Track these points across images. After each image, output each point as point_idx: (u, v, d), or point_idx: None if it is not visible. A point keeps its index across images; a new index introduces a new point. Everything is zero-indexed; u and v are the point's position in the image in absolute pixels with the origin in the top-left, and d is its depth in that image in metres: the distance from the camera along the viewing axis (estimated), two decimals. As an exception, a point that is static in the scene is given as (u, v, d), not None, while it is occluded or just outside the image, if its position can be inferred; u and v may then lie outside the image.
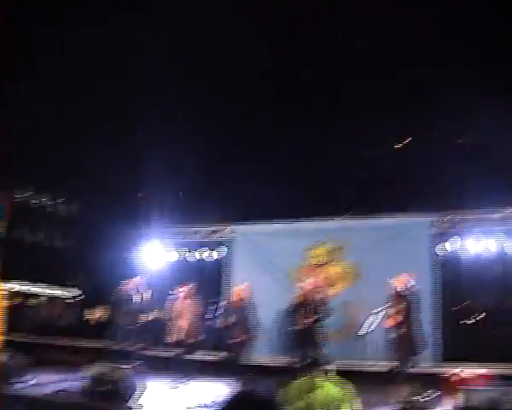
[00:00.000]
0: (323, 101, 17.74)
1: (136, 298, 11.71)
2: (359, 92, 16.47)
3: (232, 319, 10.72)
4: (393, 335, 9.12)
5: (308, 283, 10.58)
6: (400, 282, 9.40)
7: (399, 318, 9.14)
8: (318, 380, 4.75)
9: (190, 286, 11.50)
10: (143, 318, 14.06)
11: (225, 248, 13.87)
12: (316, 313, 10.21)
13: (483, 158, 14.43)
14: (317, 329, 10.36)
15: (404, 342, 9.05)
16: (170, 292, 11.68)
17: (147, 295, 13.81)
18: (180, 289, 11.43)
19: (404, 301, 9.23)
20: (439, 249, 11.90)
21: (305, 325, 10.16)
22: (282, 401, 1.34)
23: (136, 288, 11.80)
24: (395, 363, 9.11)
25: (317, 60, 17.22)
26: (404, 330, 9.11)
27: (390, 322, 9.25)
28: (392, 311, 9.23)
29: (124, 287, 11.75)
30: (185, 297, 11.30)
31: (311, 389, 4.73)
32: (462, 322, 12.58)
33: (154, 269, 14.42)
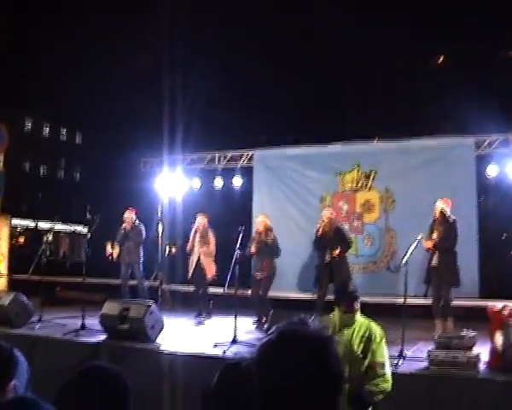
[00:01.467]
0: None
1: (136, 229, 11.81)
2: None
3: (256, 250, 10.80)
4: (436, 262, 9.16)
5: (324, 216, 10.58)
6: (446, 204, 9.36)
7: (444, 243, 9.17)
8: (349, 315, 4.80)
9: (205, 217, 11.50)
10: (162, 251, 14.29)
11: (250, 175, 13.72)
12: (337, 243, 10.27)
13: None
14: (343, 261, 10.45)
15: (448, 269, 9.09)
16: (191, 223, 11.72)
17: (163, 227, 13.96)
18: (196, 221, 11.47)
19: (449, 226, 9.24)
20: (484, 173, 11.65)
21: (328, 259, 10.26)
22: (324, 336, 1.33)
23: (133, 219, 11.90)
24: (436, 294, 9.19)
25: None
26: (448, 257, 9.14)
27: (431, 246, 9.25)
28: (436, 235, 9.23)
29: (137, 220, 11.85)
30: (199, 229, 11.34)
31: (346, 324, 4.79)
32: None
33: (173, 199, 14.41)
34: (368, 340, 4.68)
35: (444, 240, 9.14)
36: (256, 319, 10.43)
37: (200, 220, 11.35)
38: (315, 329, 1.58)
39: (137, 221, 11.91)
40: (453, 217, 9.29)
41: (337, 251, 10.17)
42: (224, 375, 1.83)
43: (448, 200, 9.47)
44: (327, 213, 10.64)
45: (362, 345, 4.67)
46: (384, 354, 4.68)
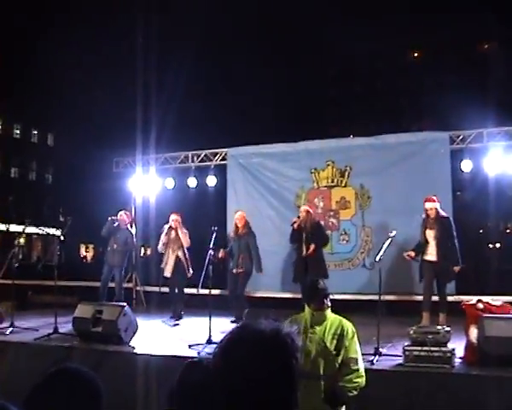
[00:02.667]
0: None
1: (125, 232, 11.77)
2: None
3: (232, 248, 10.91)
4: (435, 257, 9.39)
5: (302, 209, 10.71)
6: (437, 204, 9.61)
7: (437, 240, 9.39)
8: (320, 312, 4.82)
9: (178, 215, 11.50)
10: (136, 252, 14.23)
11: (224, 174, 13.71)
12: (313, 238, 10.38)
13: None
14: (319, 257, 10.56)
15: (449, 265, 9.31)
16: (164, 223, 11.70)
17: (136, 228, 13.92)
18: (170, 219, 11.44)
19: (448, 223, 9.57)
20: (459, 168, 11.80)
21: (305, 253, 10.37)
22: (286, 333, 1.35)
23: (126, 222, 11.84)
24: (430, 287, 9.44)
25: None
26: (442, 253, 9.35)
27: (413, 256, 9.57)
28: (434, 233, 9.47)
29: (112, 221, 11.78)
30: (175, 227, 11.33)
31: (318, 321, 4.81)
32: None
33: (146, 199, 14.35)
34: (340, 336, 4.71)
35: (442, 236, 9.41)
36: (233, 318, 10.44)
37: (174, 219, 11.34)
38: (274, 326, 1.60)
39: (129, 226, 11.90)
40: (446, 214, 9.61)
41: (311, 248, 10.29)
42: (185, 372, 1.84)
43: (435, 198, 9.68)
44: (304, 207, 10.79)
45: (335, 342, 4.69)
46: (357, 349, 4.72)
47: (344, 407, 4.75)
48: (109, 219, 11.75)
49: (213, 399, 1.54)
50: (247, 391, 1.51)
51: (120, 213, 11.83)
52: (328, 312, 4.86)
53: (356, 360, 4.66)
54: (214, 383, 1.55)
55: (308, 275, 10.01)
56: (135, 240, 11.90)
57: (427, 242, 9.49)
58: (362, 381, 4.66)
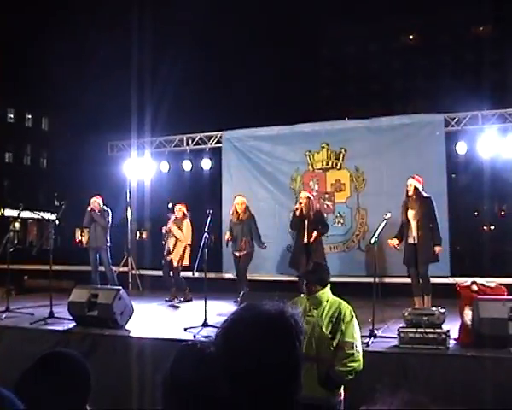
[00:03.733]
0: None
1: (103, 213, 11.82)
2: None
3: (231, 232, 11.00)
4: (415, 239, 9.27)
5: (303, 195, 10.65)
6: (418, 182, 9.47)
7: (417, 220, 9.29)
8: (317, 295, 4.82)
9: (183, 205, 11.63)
10: (131, 236, 14.23)
11: (219, 157, 13.66)
12: (316, 225, 10.33)
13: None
14: (320, 245, 10.53)
15: (426, 246, 9.23)
16: (166, 207, 11.76)
17: (131, 211, 13.92)
18: (175, 210, 11.56)
19: (426, 202, 9.39)
20: (454, 151, 11.78)
21: (306, 240, 10.33)
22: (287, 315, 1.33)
23: (101, 204, 11.89)
24: (415, 271, 9.34)
25: None
26: (426, 233, 9.27)
27: (396, 245, 9.45)
28: (414, 213, 9.34)
29: (99, 205, 11.82)
30: (179, 217, 11.47)
31: (315, 305, 4.81)
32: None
33: (141, 182, 14.31)
34: (337, 320, 4.70)
35: (422, 216, 9.27)
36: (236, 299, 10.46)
37: (179, 209, 11.51)
38: (278, 307, 1.57)
39: (104, 207, 11.88)
40: (427, 194, 9.44)
41: (314, 234, 10.24)
42: (178, 356, 1.82)
43: (420, 177, 9.56)
44: (305, 193, 10.74)
45: (331, 325, 4.69)
46: (354, 333, 4.70)
47: (342, 388, 4.76)
48: (88, 210, 11.77)
49: (214, 381, 1.52)
50: (249, 373, 1.49)
51: (92, 199, 11.88)
52: (326, 295, 4.85)
53: (352, 344, 4.65)
54: (216, 364, 1.53)
55: (310, 260, 9.95)
56: (109, 217, 11.91)
57: (408, 222, 9.39)
58: (357, 365, 4.65)
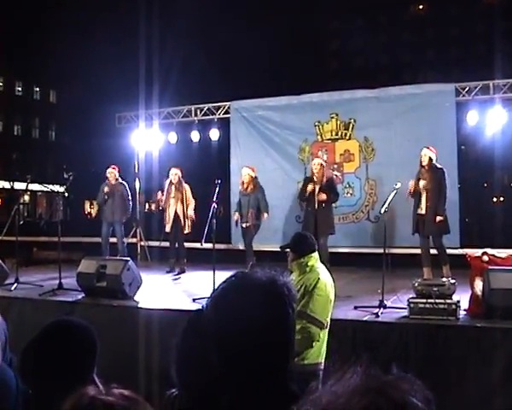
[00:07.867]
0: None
1: (119, 186, 11.72)
2: None
3: (241, 202, 11.01)
4: (424, 210, 9.22)
5: (316, 162, 10.49)
6: (433, 152, 9.39)
7: (427, 191, 9.22)
8: (300, 262, 4.80)
9: (178, 169, 11.44)
10: (140, 208, 14.21)
11: (227, 128, 13.56)
12: (326, 194, 10.18)
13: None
14: (330, 211, 10.41)
15: (431, 218, 9.16)
16: (165, 177, 11.65)
17: (139, 183, 13.86)
18: (170, 174, 11.38)
19: (439, 173, 9.33)
20: (465, 121, 11.62)
21: (317, 206, 10.19)
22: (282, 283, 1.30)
23: (117, 175, 11.78)
24: (425, 242, 9.31)
25: None
26: (432, 204, 9.20)
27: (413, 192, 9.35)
28: (424, 183, 9.28)
29: (115, 176, 11.71)
30: (175, 182, 11.27)
31: (298, 271, 4.80)
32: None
33: (149, 154, 14.25)
34: (305, 290, 4.65)
35: (433, 187, 9.21)
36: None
37: (174, 173, 11.27)
38: (270, 275, 1.54)
39: (120, 179, 11.80)
40: (440, 165, 9.36)
41: (323, 196, 10.02)
42: (188, 324, 1.80)
43: (434, 148, 9.48)
44: (318, 160, 10.59)
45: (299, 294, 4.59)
46: (310, 304, 4.58)
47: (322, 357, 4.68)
48: (102, 186, 11.62)
49: (207, 349, 1.49)
50: (240, 341, 1.46)
51: (109, 170, 11.73)
52: (312, 263, 4.80)
53: (302, 313, 4.48)
54: (207, 332, 1.50)
55: (318, 228, 9.85)
56: (128, 190, 11.81)
57: (419, 193, 9.32)
58: (301, 337, 4.43)
